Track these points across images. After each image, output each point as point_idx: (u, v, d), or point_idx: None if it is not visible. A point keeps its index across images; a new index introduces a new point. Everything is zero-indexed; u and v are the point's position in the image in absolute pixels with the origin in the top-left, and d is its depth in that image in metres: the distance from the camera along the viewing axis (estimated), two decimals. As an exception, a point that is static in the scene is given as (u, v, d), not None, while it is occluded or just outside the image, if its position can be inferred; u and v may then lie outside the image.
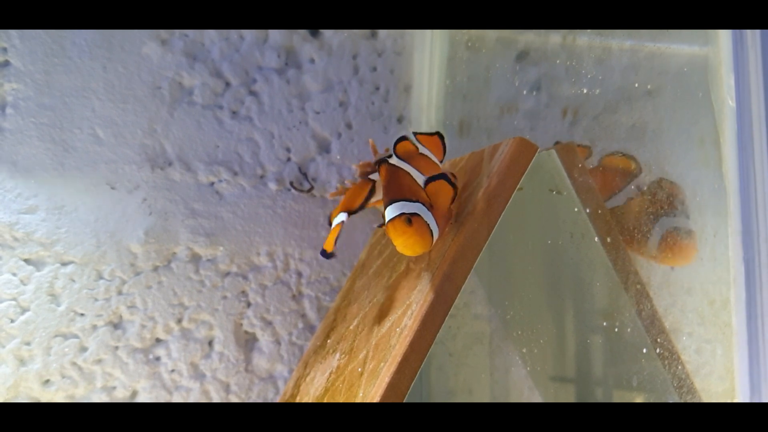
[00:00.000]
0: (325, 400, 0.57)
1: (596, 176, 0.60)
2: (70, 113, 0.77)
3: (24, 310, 0.74)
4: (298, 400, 0.67)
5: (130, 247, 0.78)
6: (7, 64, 0.75)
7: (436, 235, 0.49)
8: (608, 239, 0.59)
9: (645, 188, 0.59)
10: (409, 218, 0.47)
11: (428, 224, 0.48)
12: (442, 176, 0.51)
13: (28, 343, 0.74)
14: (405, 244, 0.48)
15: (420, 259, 0.55)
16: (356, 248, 0.86)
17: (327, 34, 0.86)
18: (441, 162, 0.61)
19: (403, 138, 0.59)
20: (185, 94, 0.81)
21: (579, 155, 0.59)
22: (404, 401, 0.46)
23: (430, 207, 0.49)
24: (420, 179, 0.53)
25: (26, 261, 0.75)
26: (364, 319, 0.61)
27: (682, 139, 0.56)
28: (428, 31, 0.90)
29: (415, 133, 0.62)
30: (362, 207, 0.59)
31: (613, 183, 0.61)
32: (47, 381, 0.75)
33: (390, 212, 0.48)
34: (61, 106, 0.77)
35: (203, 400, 0.80)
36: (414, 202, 0.49)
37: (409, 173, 0.53)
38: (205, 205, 0.81)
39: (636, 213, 0.59)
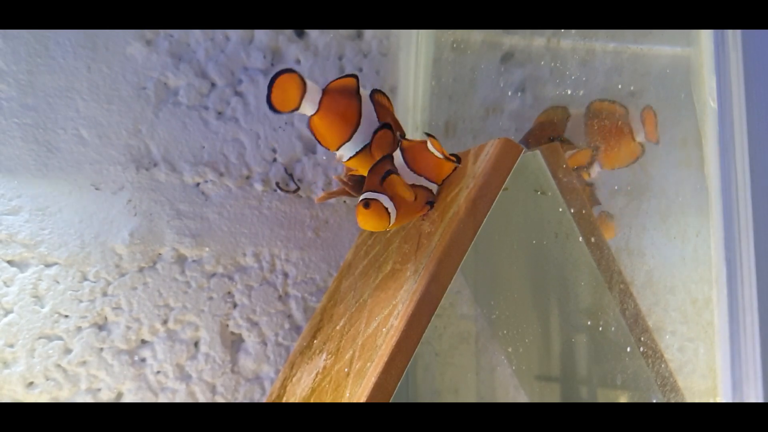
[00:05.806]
0: (311, 401, 0.57)
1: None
2: (54, 114, 0.76)
3: (7, 312, 0.74)
4: (284, 400, 0.67)
5: (115, 248, 0.78)
6: (-11, 64, 0.75)
7: (393, 217, 0.53)
8: (592, 239, 0.59)
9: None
10: (367, 202, 0.52)
11: (386, 208, 0.53)
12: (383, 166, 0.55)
13: (11, 345, 0.74)
14: (362, 221, 0.53)
15: (406, 259, 0.56)
16: (343, 248, 0.86)
17: (313, 34, 0.86)
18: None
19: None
20: (170, 94, 0.81)
21: (563, 156, 0.60)
22: (390, 401, 0.47)
23: (393, 197, 0.54)
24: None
25: (9, 262, 0.74)
26: (351, 319, 0.61)
27: (665, 139, 0.56)
28: (414, 32, 0.90)
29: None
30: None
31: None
32: (31, 383, 0.74)
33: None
34: (44, 106, 0.76)
35: (189, 401, 0.79)
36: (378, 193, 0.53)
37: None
38: (190, 205, 0.81)
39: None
